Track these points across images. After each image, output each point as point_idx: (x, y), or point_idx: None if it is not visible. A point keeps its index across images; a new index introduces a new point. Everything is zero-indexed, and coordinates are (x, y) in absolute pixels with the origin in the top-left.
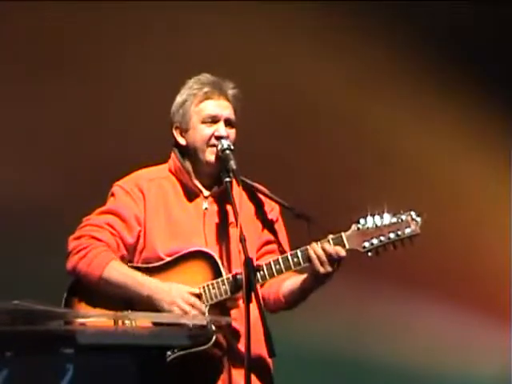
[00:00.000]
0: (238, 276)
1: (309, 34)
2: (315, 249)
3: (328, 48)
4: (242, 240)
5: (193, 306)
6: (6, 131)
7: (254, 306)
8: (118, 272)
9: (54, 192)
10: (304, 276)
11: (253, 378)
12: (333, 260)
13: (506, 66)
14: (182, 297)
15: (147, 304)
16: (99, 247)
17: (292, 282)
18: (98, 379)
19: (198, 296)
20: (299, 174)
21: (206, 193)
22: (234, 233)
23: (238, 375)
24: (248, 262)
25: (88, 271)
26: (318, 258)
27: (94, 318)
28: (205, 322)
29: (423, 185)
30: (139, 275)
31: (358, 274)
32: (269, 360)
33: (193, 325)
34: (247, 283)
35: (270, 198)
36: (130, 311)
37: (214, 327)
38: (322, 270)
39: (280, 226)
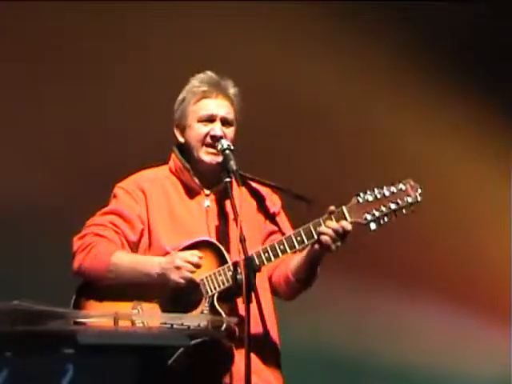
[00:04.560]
0: (238, 276)
1: (309, 35)
2: (323, 231)
3: (328, 49)
4: (242, 240)
5: (190, 262)
6: (6, 131)
7: (263, 300)
8: (125, 259)
9: (54, 192)
10: (306, 250)
11: (259, 362)
12: (340, 235)
13: (506, 66)
14: (183, 258)
15: (159, 283)
16: (103, 242)
17: (296, 258)
18: (98, 379)
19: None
20: (299, 174)
21: (207, 191)
22: (235, 231)
23: (239, 356)
24: (248, 262)
25: (94, 264)
26: (329, 235)
27: (94, 318)
28: (205, 323)
29: (423, 185)
30: (146, 257)
31: (359, 274)
32: (278, 346)
33: (194, 326)
34: (247, 283)
35: (269, 186)
36: (140, 302)
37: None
38: (333, 246)
39: (282, 218)
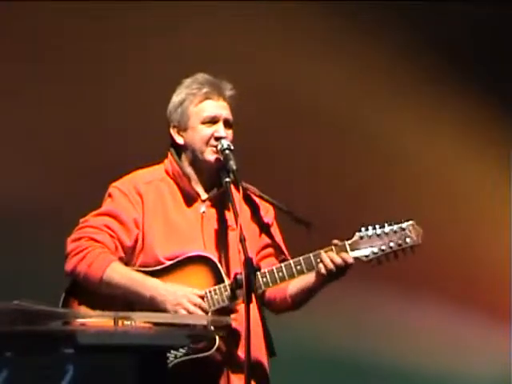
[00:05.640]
0: (238, 276)
1: (309, 35)
2: (323, 258)
3: (328, 49)
4: (242, 240)
5: (198, 306)
6: (6, 131)
7: (252, 307)
8: (119, 273)
9: (54, 192)
10: (310, 277)
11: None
12: (340, 268)
13: (506, 66)
14: (187, 297)
15: (149, 305)
16: (98, 248)
17: (298, 282)
18: (98, 379)
19: (202, 297)
20: (299, 174)
21: (204, 196)
22: (232, 236)
23: (236, 380)
24: (248, 262)
25: (88, 273)
26: (326, 267)
27: (94, 318)
28: (205, 322)
29: (423, 185)
30: (141, 276)
31: (358, 274)
32: (266, 363)
33: (193, 325)
34: (247, 283)
35: (269, 202)
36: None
37: (214, 328)
38: (329, 278)
39: (275, 230)
